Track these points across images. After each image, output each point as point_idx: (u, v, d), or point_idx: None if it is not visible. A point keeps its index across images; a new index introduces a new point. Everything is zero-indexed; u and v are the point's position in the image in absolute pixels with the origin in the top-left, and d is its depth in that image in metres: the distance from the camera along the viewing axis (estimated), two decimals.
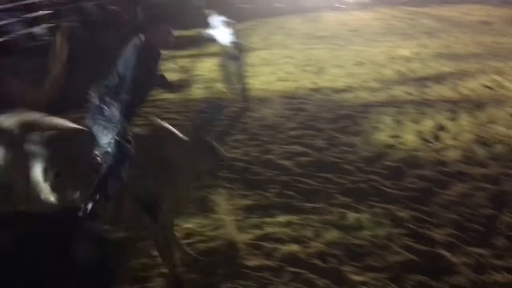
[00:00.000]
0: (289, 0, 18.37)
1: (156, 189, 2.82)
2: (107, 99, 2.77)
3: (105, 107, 2.77)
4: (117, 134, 2.70)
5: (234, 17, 13.74)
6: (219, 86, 7.39)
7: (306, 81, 8.03)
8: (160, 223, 2.85)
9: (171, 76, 3.33)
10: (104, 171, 2.69)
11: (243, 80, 6.95)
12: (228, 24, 6.89)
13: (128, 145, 2.71)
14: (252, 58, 10.22)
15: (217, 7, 7.38)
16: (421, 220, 3.58)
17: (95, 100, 2.84)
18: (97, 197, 2.63)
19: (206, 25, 7.18)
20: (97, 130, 2.78)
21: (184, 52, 9.96)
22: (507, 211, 3.60)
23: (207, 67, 8.71)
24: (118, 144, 2.69)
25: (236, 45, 6.81)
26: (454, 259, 3.06)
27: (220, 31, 6.93)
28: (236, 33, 6.97)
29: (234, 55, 6.80)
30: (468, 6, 16.54)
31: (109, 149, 2.71)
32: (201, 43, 7.94)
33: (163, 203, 2.83)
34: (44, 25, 10.17)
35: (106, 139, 2.73)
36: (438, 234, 3.35)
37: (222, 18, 6.92)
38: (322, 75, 8.41)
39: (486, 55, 9.08)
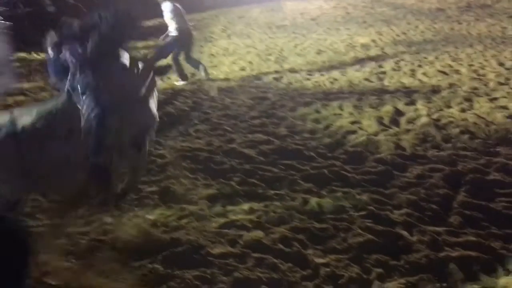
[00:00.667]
0: None
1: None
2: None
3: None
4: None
5: (195, 7, 13.73)
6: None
7: (268, 70, 8.05)
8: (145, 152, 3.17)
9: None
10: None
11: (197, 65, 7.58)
12: (176, 11, 7.15)
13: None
14: (213, 48, 10.18)
15: None
16: (380, 202, 3.67)
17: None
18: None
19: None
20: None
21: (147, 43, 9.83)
22: (462, 191, 3.74)
23: None
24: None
25: (182, 31, 7.10)
26: (412, 238, 3.16)
27: (170, 18, 7.26)
28: (184, 19, 7.19)
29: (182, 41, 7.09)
30: None
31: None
32: (161, 32, 7.84)
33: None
34: None
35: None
36: (396, 215, 3.45)
37: (171, 5, 7.18)
38: (283, 63, 8.46)
39: (441, 41, 9.35)
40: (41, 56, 10.47)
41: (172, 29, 7.31)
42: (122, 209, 3.70)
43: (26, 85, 8.10)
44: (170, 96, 6.90)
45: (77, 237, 3.44)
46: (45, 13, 12.76)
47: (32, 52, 10.80)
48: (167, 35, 7.40)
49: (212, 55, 9.64)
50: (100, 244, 3.30)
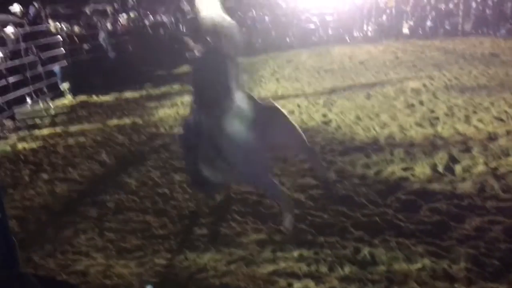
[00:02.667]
0: (297, 35, 18.71)
1: None
2: None
3: None
4: None
5: (245, 52, 14.26)
6: None
7: (316, 114, 8.10)
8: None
9: None
10: None
11: None
12: None
13: None
14: (262, 91, 10.39)
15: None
16: (437, 254, 3.53)
17: None
18: None
19: None
20: None
21: None
22: None
23: None
24: None
25: None
26: None
27: None
28: None
29: None
30: (477, 39, 16.68)
31: None
32: None
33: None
34: None
35: None
36: (455, 270, 3.29)
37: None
38: (332, 107, 8.48)
39: (496, 87, 9.10)
40: (101, 99, 11.08)
41: None
42: (174, 252, 3.77)
43: (86, 126, 8.53)
44: None
45: (129, 278, 3.51)
46: (106, 59, 13.61)
47: (93, 95, 11.43)
48: None
49: (262, 98, 9.84)
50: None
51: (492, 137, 6.11)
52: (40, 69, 10.85)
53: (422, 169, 5.26)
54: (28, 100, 10.26)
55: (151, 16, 17.41)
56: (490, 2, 18.45)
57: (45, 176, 6.00)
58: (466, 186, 4.69)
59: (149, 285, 3.30)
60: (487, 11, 18.40)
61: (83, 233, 4.38)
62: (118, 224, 4.51)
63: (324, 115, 7.92)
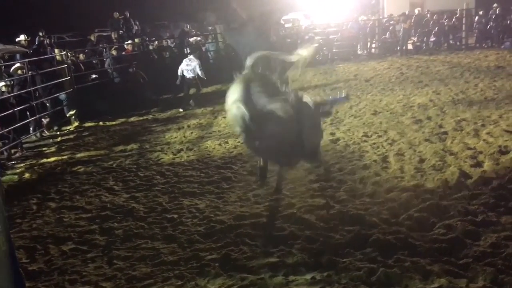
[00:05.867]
0: None
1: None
2: None
3: None
4: None
5: None
6: None
7: (324, 132, 8.03)
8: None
9: None
10: None
11: None
12: None
13: None
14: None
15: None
16: (454, 273, 3.43)
17: None
18: None
19: None
20: None
21: None
22: None
23: None
24: None
25: None
26: None
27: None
28: None
29: None
30: (481, 52, 16.67)
31: None
32: None
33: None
34: None
35: None
36: None
37: None
38: (339, 125, 8.44)
39: (504, 99, 9.03)
40: (108, 124, 11.13)
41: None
42: (184, 278, 3.69)
43: (93, 153, 8.54)
44: (228, 161, 7.02)
45: None
46: (112, 85, 13.72)
47: (100, 122, 11.48)
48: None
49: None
50: None
51: (503, 151, 6.02)
52: (46, 97, 10.94)
53: (433, 185, 5.17)
54: (35, 128, 10.32)
55: (156, 41, 17.62)
56: (492, 16, 18.52)
57: (52, 204, 5.97)
58: (479, 202, 4.60)
59: None
60: (490, 24, 18.44)
61: (92, 262, 4.32)
62: (127, 251, 4.44)
63: (332, 134, 7.88)
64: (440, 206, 4.61)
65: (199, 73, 11.92)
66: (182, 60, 12.47)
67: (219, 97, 13.06)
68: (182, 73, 12.05)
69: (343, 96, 4.72)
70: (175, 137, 9.08)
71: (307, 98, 4.34)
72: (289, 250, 4.04)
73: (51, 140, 9.99)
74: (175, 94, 14.27)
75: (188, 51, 17.04)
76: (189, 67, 11.97)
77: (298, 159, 4.52)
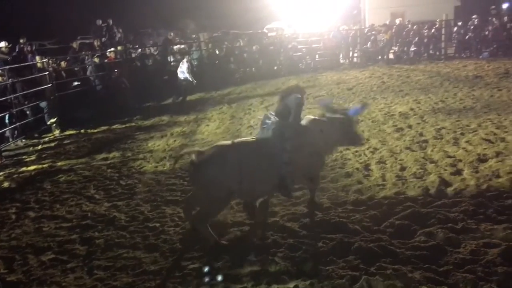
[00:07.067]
0: (285, 63, 18.91)
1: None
2: None
3: None
4: None
5: (234, 81, 14.67)
6: None
7: None
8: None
9: None
10: None
11: None
12: None
13: None
14: (252, 120, 10.40)
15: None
16: (435, 281, 3.47)
17: None
18: None
19: None
20: None
21: None
22: None
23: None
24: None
25: None
26: None
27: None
28: None
29: None
30: (460, 62, 16.99)
31: None
32: None
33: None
34: None
35: None
36: None
37: None
38: None
39: (483, 108, 9.21)
40: (89, 132, 10.99)
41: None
42: None
43: (74, 161, 8.42)
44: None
45: None
46: (94, 92, 13.57)
47: (81, 130, 11.33)
48: None
49: (251, 126, 9.83)
50: None
51: (482, 159, 6.13)
52: (26, 105, 10.78)
53: (414, 193, 5.24)
54: (15, 136, 10.15)
55: (139, 49, 17.54)
56: (471, 26, 18.92)
57: (32, 214, 5.86)
58: (459, 209, 4.67)
59: None
60: (469, 35, 18.83)
61: (72, 272, 4.25)
62: (108, 261, 4.38)
63: None
64: (421, 213, 4.66)
65: (187, 76, 12.45)
66: (165, 68, 12.77)
67: (203, 105, 13.15)
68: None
69: (360, 107, 4.75)
70: (158, 145, 9.02)
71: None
72: (272, 259, 4.04)
73: (31, 148, 9.82)
74: (158, 101, 14.22)
75: (172, 59, 17.06)
76: (180, 69, 12.76)
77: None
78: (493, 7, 20.67)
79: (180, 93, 12.83)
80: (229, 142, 4.52)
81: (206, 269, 3.93)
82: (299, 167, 4.52)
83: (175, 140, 9.29)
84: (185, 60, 13.00)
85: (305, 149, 4.59)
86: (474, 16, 19.22)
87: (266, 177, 4.37)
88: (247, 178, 4.22)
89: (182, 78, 12.66)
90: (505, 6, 25.67)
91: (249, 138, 4.76)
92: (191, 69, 12.89)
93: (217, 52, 18.24)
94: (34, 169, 8.05)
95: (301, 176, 4.75)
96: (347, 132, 4.94)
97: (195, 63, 17.43)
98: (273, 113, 4.62)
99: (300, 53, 19.63)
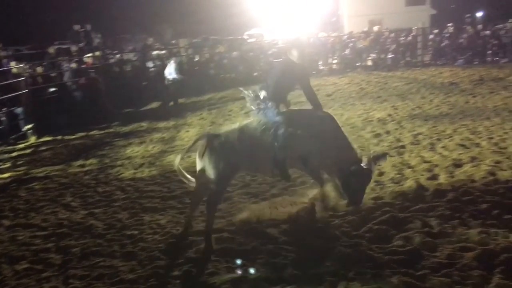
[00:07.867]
0: (265, 69, 18.97)
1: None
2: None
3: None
4: None
5: (215, 86, 14.71)
6: None
7: None
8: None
9: None
10: None
11: None
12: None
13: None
14: (232, 126, 10.38)
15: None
16: (412, 285, 3.50)
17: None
18: None
19: None
20: None
21: None
22: (497, 272, 3.55)
23: None
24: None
25: None
26: None
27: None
28: None
29: None
30: (436, 69, 17.33)
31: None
32: None
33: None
34: None
35: None
36: None
37: None
38: None
39: (458, 114, 9.40)
40: (66, 139, 10.81)
41: None
42: None
43: (50, 168, 8.26)
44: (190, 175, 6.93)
45: None
46: (71, 98, 13.35)
47: (58, 136, 11.11)
48: None
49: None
50: None
51: (457, 164, 6.25)
52: (1, 111, 10.55)
53: (392, 198, 5.30)
54: None
55: (117, 54, 17.37)
56: (446, 34, 19.34)
57: (6, 222, 5.71)
58: (436, 214, 4.74)
59: None
60: (445, 43, 19.24)
61: (46, 282, 4.15)
62: (84, 270, 4.29)
63: None
64: (398, 218, 4.72)
65: (175, 76, 13.11)
66: (144, 73, 12.90)
67: (182, 111, 13.07)
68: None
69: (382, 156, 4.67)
70: (137, 152, 8.92)
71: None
72: (252, 265, 4.02)
73: (6, 155, 9.60)
74: (136, 108, 14.10)
75: (151, 64, 16.93)
76: (167, 70, 13.39)
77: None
78: (468, 15, 21.23)
79: (169, 95, 12.95)
80: (236, 125, 5.05)
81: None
82: (293, 150, 4.59)
83: (154, 146, 9.21)
84: (172, 61, 13.37)
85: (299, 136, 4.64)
86: (449, 24, 19.68)
87: (264, 155, 4.58)
88: (251, 156, 4.64)
89: (170, 79, 12.72)
90: (479, 14, 26.35)
91: (253, 122, 5.00)
92: (180, 69, 13.10)
93: (197, 58, 18.19)
94: (9, 176, 7.86)
95: (296, 159, 4.74)
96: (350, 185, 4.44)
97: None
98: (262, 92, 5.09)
99: (280, 59, 19.73)
